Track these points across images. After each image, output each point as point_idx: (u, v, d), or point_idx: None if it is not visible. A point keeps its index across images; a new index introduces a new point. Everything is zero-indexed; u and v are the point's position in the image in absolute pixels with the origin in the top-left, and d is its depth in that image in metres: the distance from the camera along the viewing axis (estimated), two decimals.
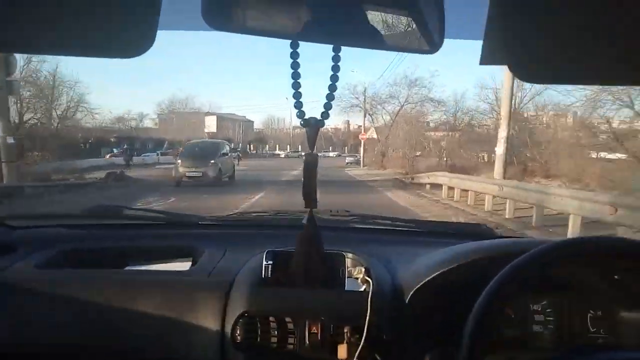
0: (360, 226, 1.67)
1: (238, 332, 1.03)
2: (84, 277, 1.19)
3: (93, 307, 1.10)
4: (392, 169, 27.82)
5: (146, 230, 1.64)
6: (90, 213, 1.60)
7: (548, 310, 1.08)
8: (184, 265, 1.34)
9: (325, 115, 0.83)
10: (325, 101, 0.82)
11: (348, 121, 62.44)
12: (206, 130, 47.86)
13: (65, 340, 1.09)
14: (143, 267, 1.37)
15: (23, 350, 1.10)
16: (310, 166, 0.87)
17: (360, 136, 36.64)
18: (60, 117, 26.75)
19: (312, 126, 0.85)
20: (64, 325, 1.10)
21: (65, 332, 1.10)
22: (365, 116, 36.55)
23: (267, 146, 56.52)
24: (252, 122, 64.63)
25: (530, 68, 0.53)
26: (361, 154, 36.30)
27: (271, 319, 1.03)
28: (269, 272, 1.09)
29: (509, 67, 0.53)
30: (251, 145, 52.46)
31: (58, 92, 26.32)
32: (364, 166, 34.00)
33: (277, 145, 58.21)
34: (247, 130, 58.24)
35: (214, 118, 50.73)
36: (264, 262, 1.10)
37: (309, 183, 0.87)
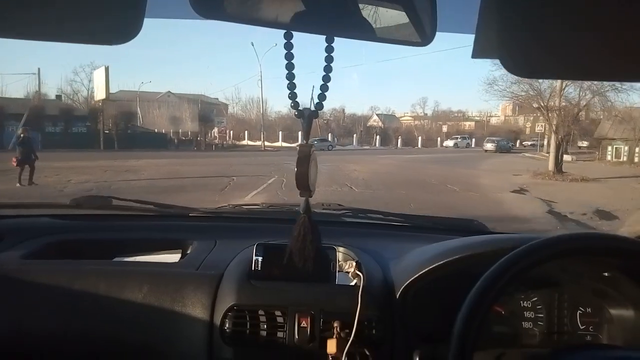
0: (352, 220, 1.66)
1: (227, 325, 1.02)
2: (71, 268, 1.18)
3: (79, 298, 1.09)
4: None
5: (136, 222, 1.63)
6: (79, 203, 1.58)
7: (538, 307, 1.08)
8: (173, 258, 1.33)
9: (319, 105, 0.83)
10: (319, 92, 0.81)
11: (344, 109, 53.71)
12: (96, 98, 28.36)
13: (51, 331, 1.08)
14: (131, 259, 1.35)
15: (7, 341, 1.08)
16: (304, 157, 0.86)
17: None
18: None
19: (306, 117, 0.84)
20: (50, 316, 1.09)
21: (51, 323, 1.08)
22: None
23: (228, 134, 38.80)
24: (226, 104, 49.35)
25: (521, 62, 0.53)
26: (551, 149, 11.82)
27: (260, 312, 1.02)
28: (259, 265, 1.08)
29: (501, 61, 0.53)
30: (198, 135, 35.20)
31: None
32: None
33: (247, 133, 43.55)
34: (214, 115, 40.56)
35: (102, 71, 27.10)
36: (254, 255, 1.09)
37: (303, 173, 0.86)
